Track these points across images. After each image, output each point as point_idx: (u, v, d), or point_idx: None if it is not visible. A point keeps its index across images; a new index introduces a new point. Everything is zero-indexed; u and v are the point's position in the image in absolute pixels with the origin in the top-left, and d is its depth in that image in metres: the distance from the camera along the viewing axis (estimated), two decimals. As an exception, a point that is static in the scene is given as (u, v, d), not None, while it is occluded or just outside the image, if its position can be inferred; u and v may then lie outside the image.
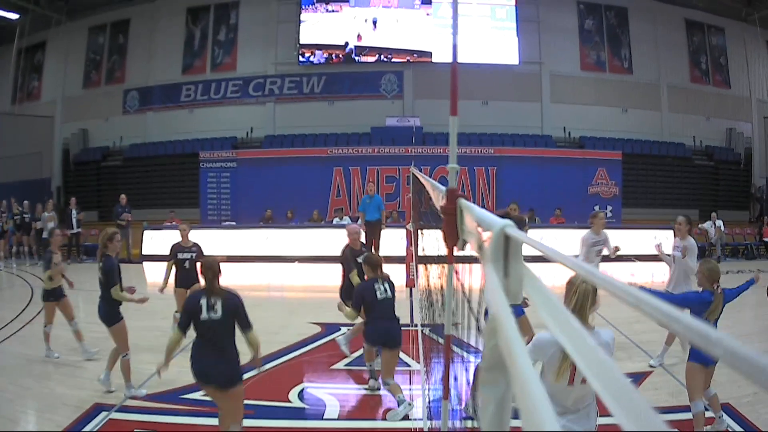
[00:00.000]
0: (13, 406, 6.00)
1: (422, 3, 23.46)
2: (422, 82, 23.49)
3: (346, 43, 23.59)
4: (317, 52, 23.80)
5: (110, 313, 6.42)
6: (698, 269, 5.53)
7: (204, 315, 4.87)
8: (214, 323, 4.87)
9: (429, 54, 23.35)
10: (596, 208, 20.05)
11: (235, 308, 4.96)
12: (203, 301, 4.92)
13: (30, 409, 6.04)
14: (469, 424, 3.08)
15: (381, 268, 6.46)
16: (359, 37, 23.58)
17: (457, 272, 2.57)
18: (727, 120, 25.15)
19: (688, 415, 5.77)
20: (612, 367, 0.67)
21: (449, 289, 2.49)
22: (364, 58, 23.71)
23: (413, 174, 9.60)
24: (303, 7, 23.53)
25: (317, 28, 23.72)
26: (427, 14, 23.40)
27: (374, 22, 23.53)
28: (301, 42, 23.65)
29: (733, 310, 10.59)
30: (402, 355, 7.75)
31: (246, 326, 5.01)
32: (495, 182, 20.36)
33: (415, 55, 23.51)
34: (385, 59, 23.62)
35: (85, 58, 26.05)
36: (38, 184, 23.49)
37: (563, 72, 24.15)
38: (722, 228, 18.15)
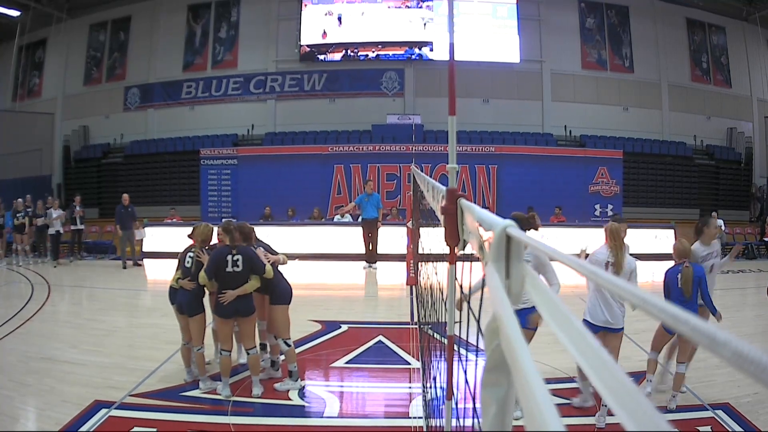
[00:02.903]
0: (13, 403, 5.99)
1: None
2: (423, 80, 23.48)
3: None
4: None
5: (194, 303, 6.49)
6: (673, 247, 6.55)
7: (229, 269, 6.20)
8: (236, 275, 6.20)
9: (401, 44, 23.39)
10: (596, 206, 20.10)
11: (251, 261, 6.25)
12: (228, 257, 6.21)
13: (29, 406, 6.03)
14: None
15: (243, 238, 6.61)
16: (324, 34, 23.57)
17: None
18: (728, 119, 25.15)
19: (690, 415, 5.78)
20: (614, 366, 0.67)
21: (451, 291, 2.48)
22: (330, 56, 23.70)
23: (413, 173, 9.60)
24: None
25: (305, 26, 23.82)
26: (388, 7, 23.36)
27: (339, 18, 23.52)
28: (302, 43, 23.71)
29: (734, 310, 10.63)
30: (401, 353, 7.76)
31: (259, 273, 6.27)
32: (496, 180, 20.36)
33: (380, 45, 23.48)
34: (351, 54, 23.60)
35: (86, 55, 26.06)
36: (39, 181, 23.49)
37: (564, 70, 24.15)
38: (723, 227, 18.13)
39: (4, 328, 9.01)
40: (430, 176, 18.13)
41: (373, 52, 23.53)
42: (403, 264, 13.13)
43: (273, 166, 20.64)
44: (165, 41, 24.97)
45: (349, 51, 23.54)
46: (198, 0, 25.07)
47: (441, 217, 2.08)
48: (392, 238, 15.34)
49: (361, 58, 23.60)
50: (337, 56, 23.68)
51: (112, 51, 25.85)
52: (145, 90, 25.11)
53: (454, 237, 1.96)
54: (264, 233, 7.74)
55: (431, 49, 23.16)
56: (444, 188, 2.19)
